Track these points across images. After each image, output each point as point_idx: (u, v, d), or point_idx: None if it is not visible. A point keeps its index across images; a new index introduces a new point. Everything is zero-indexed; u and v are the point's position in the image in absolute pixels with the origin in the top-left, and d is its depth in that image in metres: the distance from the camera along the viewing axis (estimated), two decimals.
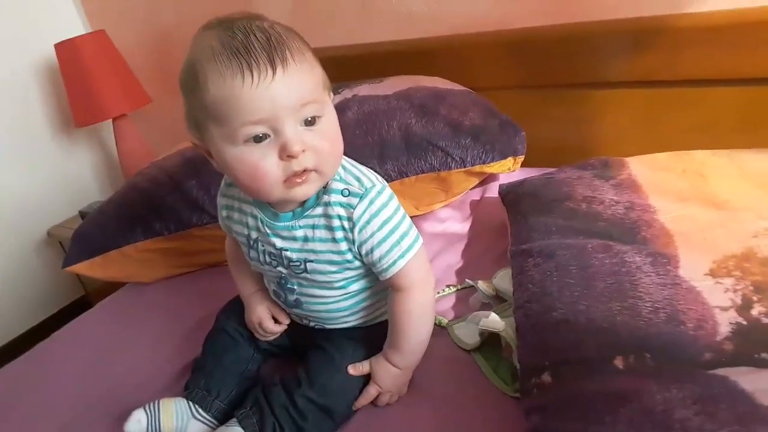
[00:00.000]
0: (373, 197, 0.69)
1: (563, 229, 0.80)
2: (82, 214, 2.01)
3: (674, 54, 1.13)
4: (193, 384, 0.80)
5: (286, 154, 0.61)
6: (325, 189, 0.70)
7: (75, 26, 2.13)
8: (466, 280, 0.95)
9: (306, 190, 0.66)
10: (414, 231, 0.72)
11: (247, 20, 0.63)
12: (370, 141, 1.15)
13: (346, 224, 0.69)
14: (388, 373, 0.74)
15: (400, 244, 0.70)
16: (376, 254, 0.70)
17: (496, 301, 0.91)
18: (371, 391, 0.75)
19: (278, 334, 0.85)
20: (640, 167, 0.93)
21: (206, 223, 1.14)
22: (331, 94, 0.70)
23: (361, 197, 0.68)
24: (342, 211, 0.69)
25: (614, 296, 0.65)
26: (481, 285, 0.91)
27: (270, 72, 0.59)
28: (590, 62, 1.24)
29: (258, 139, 0.61)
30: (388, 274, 0.71)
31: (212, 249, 1.17)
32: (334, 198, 0.69)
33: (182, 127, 1.89)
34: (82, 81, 1.84)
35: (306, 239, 0.72)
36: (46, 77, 2.05)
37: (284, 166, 0.63)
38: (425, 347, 0.77)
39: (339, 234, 0.70)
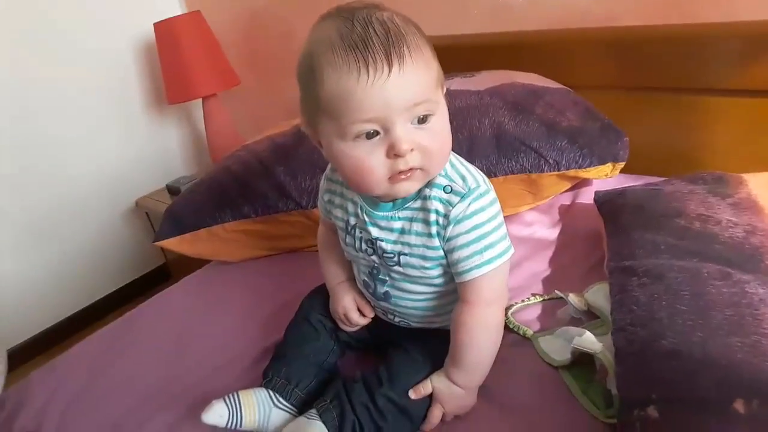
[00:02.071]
0: (474, 198, 0.67)
1: (673, 249, 0.75)
2: (169, 188, 2.10)
3: None
4: (274, 372, 0.81)
5: (393, 152, 0.61)
6: (428, 183, 0.68)
7: (172, 6, 2.20)
8: (555, 291, 0.91)
9: (409, 187, 0.66)
10: (503, 246, 0.69)
11: (368, 11, 0.61)
12: (460, 137, 1.12)
13: (441, 220, 0.68)
14: (451, 394, 0.72)
15: (482, 254, 0.67)
16: (455, 256, 0.68)
17: (587, 317, 0.86)
18: (435, 413, 0.72)
19: (362, 327, 0.84)
20: (761, 186, 0.85)
21: (291, 209, 1.15)
22: (445, 88, 0.67)
23: (463, 197, 0.67)
24: (440, 207, 0.68)
25: (734, 330, 0.59)
26: (572, 298, 0.87)
27: (386, 69, 0.58)
28: (698, 66, 1.15)
29: (368, 136, 0.61)
30: (462, 279, 0.69)
31: (295, 234, 1.19)
32: (435, 192, 0.68)
33: (268, 110, 1.95)
34: (176, 60, 1.91)
35: (402, 231, 0.71)
36: (143, 55, 2.14)
37: (391, 164, 0.62)
38: (489, 367, 0.73)
39: (434, 229, 0.68)
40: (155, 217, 2.11)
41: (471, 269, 0.68)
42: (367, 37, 0.58)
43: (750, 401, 0.52)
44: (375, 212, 0.72)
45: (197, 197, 1.24)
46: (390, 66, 0.58)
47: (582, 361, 0.76)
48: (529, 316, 0.90)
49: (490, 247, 0.67)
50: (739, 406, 0.52)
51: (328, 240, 0.87)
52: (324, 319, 0.86)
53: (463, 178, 0.68)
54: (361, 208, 0.73)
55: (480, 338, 0.71)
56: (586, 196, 1.17)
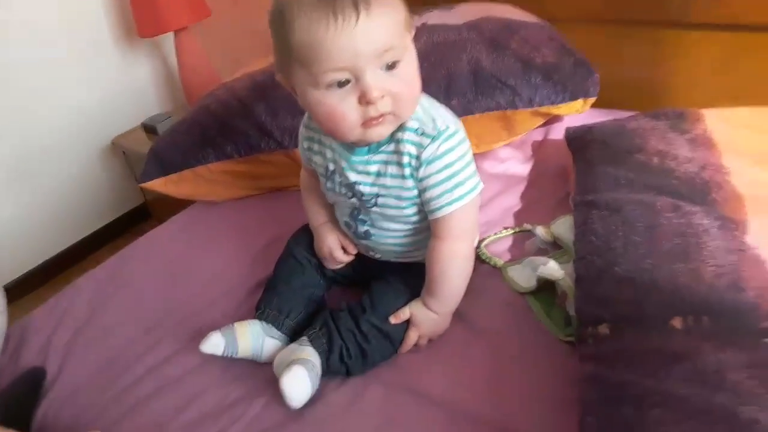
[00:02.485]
0: (444, 139, 0.71)
1: (632, 183, 0.81)
2: (145, 126, 2.07)
3: None
4: (265, 304, 0.87)
5: (365, 99, 0.64)
6: (400, 126, 0.72)
7: None
8: (524, 224, 0.97)
9: (382, 131, 0.69)
10: (472, 182, 0.74)
11: None
12: (438, 75, 1.14)
13: (414, 162, 0.72)
14: (427, 318, 0.79)
15: (452, 192, 0.72)
16: (428, 195, 0.73)
17: (552, 248, 0.93)
18: (411, 335, 0.80)
19: (346, 264, 0.90)
20: (717, 122, 0.90)
21: (273, 149, 1.18)
22: (413, 31, 0.69)
23: (434, 138, 0.71)
24: (413, 149, 0.72)
25: (679, 258, 0.66)
26: (539, 230, 0.93)
27: (354, 16, 0.60)
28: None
29: (340, 84, 0.64)
30: (433, 216, 0.75)
31: (278, 174, 1.22)
32: (408, 136, 0.72)
33: (242, 42, 1.92)
34: None
35: (378, 174, 0.75)
36: None
37: (363, 110, 0.65)
38: (461, 295, 0.81)
39: (407, 171, 0.73)
40: (132, 156, 2.10)
41: (442, 206, 0.73)
42: None
43: (686, 318, 0.60)
44: (352, 157, 0.76)
45: (179, 138, 1.26)
46: (357, 13, 0.60)
47: (546, 287, 0.83)
48: (501, 247, 0.97)
49: (459, 184, 0.72)
50: (676, 322, 0.60)
51: (310, 183, 0.91)
52: (309, 255, 0.92)
53: (434, 120, 0.72)
54: (339, 154, 0.77)
55: (452, 269, 0.77)
56: (558, 132, 1.22)
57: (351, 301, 0.84)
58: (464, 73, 1.14)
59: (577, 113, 1.19)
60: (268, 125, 1.18)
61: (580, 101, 1.15)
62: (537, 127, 1.24)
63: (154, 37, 2.02)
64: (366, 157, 0.75)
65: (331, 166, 0.80)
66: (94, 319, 0.98)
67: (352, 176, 0.77)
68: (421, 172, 0.72)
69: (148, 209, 2.26)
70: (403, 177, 0.74)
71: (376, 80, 0.63)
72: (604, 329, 0.64)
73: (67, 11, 1.96)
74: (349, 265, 0.91)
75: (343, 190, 0.80)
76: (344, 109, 0.65)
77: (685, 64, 1.22)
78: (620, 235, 0.73)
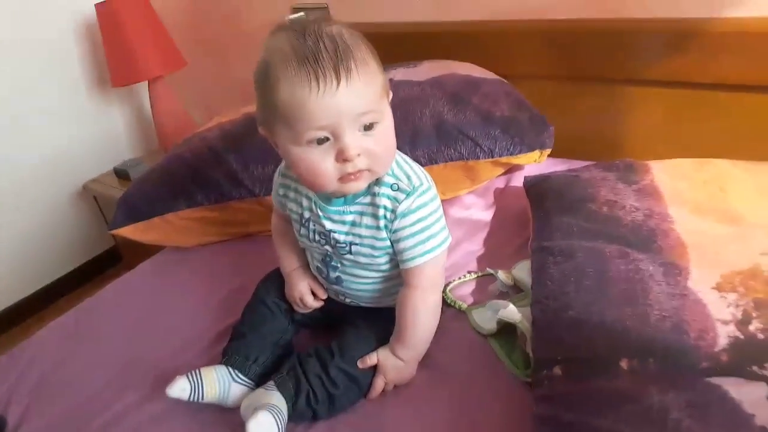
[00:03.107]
0: (418, 196, 0.76)
1: (584, 231, 0.86)
2: (117, 171, 2.09)
3: (708, 57, 1.14)
4: (232, 351, 0.87)
5: (342, 157, 0.68)
6: (377, 181, 0.76)
7: None
8: (487, 268, 1.01)
9: (358, 186, 0.74)
10: (442, 236, 0.78)
11: (317, 25, 0.68)
12: (404, 128, 1.19)
13: (389, 215, 0.76)
14: (394, 365, 0.81)
15: (424, 244, 0.77)
16: (401, 245, 0.77)
17: (513, 291, 0.97)
18: (378, 383, 0.81)
19: (320, 301, 0.92)
20: (662, 174, 0.97)
21: (244, 196, 1.21)
22: (390, 95, 0.75)
23: (408, 194, 0.75)
24: (388, 203, 0.76)
25: (627, 302, 0.71)
26: (501, 275, 0.97)
27: (335, 83, 0.64)
28: (624, 58, 1.25)
29: (319, 142, 0.68)
30: (405, 266, 0.79)
31: (248, 221, 1.25)
32: (384, 190, 0.76)
33: (217, 91, 1.97)
34: (120, 42, 1.89)
35: (353, 224, 0.79)
36: (85, 37, 2.10)
37: (340, 167, 0.70)
38: (428, 343, 0.84)
39: (382, 223, 0.77)
40: (103, 201, 2.11)
41: (415, 257, 0.77)
42: (318, 52, 0.65)
43: (632, 359, 0.63)
44: (328, 207, 0.80)
45: (150, 186, 1.28)
46: (338, 79, 0.64)
47: (507, 330, 0.87)
48: (465, 291, 1.00)
49: (432, 237, 0.77)
50: (624, 363, 0.63)
51: (282, 229, 0.94)
52: (279, 301, 0.93)
53: (408, 177, 0.77)
54: (315, 203, 0.81)
55: (422, 319, 0.81)
56: (518, 180, 1.28)
57: (319, 344, 0.85)
58: (428, 126, 1.20)
59: (536, 163, 1.25)
60: (239, 174, 1.21)
61: (537, 152, 1.22)
62: (499, 175, 1.30)
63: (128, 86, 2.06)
64: (342, 207, 0.79)
65: (307, 214, 0.83)
66: (58, 369, 0.97)
67: (328, 225, 0.80)
68: (396, 225, 0.76)
69: (119, 253, 2.24)
70: (377, 228, 0.78)
71: (353, 140, 0.68)
72: (557, 370, 0.67)
73: (41, 57, 1.99)
74: (319, 308, 0.93)
75: (318, 238, 0.83)
76: (323, 165, 0.69)
77: (637, 117, 1.30)
78: (572, 281, 0.77)
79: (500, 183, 1.30)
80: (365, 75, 0.67)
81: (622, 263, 0.77)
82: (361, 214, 0.78)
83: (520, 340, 0.83)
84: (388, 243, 0.79)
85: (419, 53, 1.45)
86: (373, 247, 0.79)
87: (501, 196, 1.26)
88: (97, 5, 1.86)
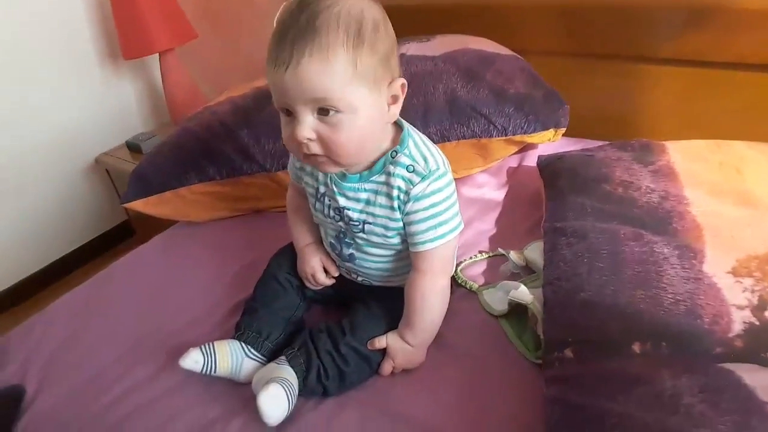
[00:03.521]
0: (432, 180, 0.75)
1: (598, 212, 0.85)
2: (129, 144, 2.09)
3: (726, 35, 1.11)
4: (245, 326, 0.88)
5: (293, 137, 0.69)
6: (393, 160, 0.75)
7: None
8: (499, 249, 1.01)
9: (326, 169, 0.74)
10: (454, 222, 0.78)
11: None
12: (416, 102, 1.18)
13: (402, 196, 0.76)
14: (402, 350, 0.81)
15: (436, 229, 0.76)
16: (412, 229, 0.77)
17: (525, 272, 0.96)
18: (386, 366, 0.81)
19: (327, 285, 0.92)
20: (678, 154, 0.95)
21: (256, 171, 1.20)
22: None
23: (423, 177, 0.74)
24: (402, 185, 0.75)
25: (640, 284, 0.70)
26: (513, 255, 0.97)
27: (284, 64, 0.64)
28: (640, 36, 1.23)
29: (287, 113, 0.70)
30: (415, 250, 0.78)
31: (260, 196, 1.25)
32: (399, 171, 0.75)
33: (227, 64, 1.95)
34: (130, 14, 1.86)
35: (368, 202, 0.78)
36: (95, 8, 2.08)
37: (298, 144, 0.70)
38: (437, 329, 0.84)
39: (395, 203, 0.76)
40: (116, 174, 2.11)
41: (425, 242, 0.77)
42: (286, 30, 0.65)
43: (645, 343, 0.63)
44: (343, 183, 0.79)
45: (162, 159, 1.27)
46: (290, 60, 0.64)
47: (518, 311, 0.87)
48: (476, 271, 1.00)
49: (444, 223, 0.76)
50: (636, 347, 0.63)
51: (297, 203, 0.94)
52: (291, 277, 0.93)
53: (425, 159, 0.76)
54: (330, 178, 0.80)
55: (430, 303, 0.81)
56: (532, 159, 1.26)
57: (330, 321, 0.85)
58: (440, 103, 1.18)
59: (550, 142, 1.24)
60: (251, 148, 1.20)
61: (551, 131, 1.20)
62: (512, 154, 1.29)
63: (139, 58, 2.04)
64: (357, 184, 0.78)
65: (322, 189, 0.83)
66: (72, 339, 0.98)
67: (342, 201, 0.80)
68: (409, 207, 0.76)
69: (132, 227, 2.26)
70: (391, 208, 0.77)
71: (304, 122, 0.67)
72: (568, 353, 0.67)
73: (52, 30, 1.97)
74: (330, 286, 0.93)
75: (332, 213, 0.83)
76: (287, 134, 0.71)
77: (651, 96, 1.28)
78: (585, 262, 0.77)
79: (513, 162, 1.29)
80: (320, 62, 0.64)
81: (637, 245, 0.76)
82: (376, 192, 0.78)
83: (531, 321, 0.83)
84: (401, 224, 0.78)
85: (432, 29, 1.42)
86: (386, 227, 0.79)
87: (514, 176, 1.25)
88: None
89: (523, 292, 0.82)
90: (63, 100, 2.06)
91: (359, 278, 0.90)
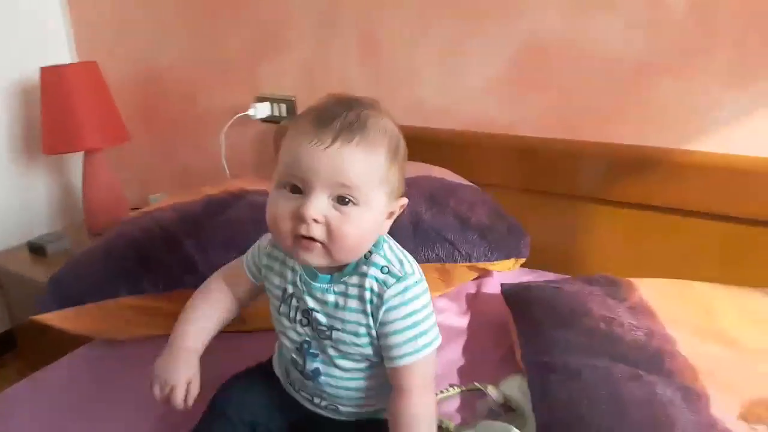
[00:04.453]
0: (410, 285, 0.69)
1: (586, 348, 0.82)
2: (31, 245, 1.87)
3: (669, 183, 1.21)
4: None
5: (299, 213, 0.64)
6: (367, 260, 0.70)
7: (61, 54, 2.07)
8: (475, 383, 0.94)
9: (308, 257, 0.68)
10: (433, 333, 0.72)
11: (361, 104, 0.68)
12: None
13: (375, 300, 0.69)
14: None
15: (416, 341, 0.69)
16: (390, 341, 0.69)
17: (503, 410, 0.89)
18: None
19: (187, 407, 0.76)
20: (649, 291, 0.97)
21: (197, 285, 1.08)
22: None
23: (399, 279, 0.69)
24: (375, 286, 0.69)
25: (653, 429, 0.65)
26: (491, 391, 0.90)
27: (329, 142, 0.64)
28: (584, 177, 1.31)
29: (294, 189, 0.66)
30: (393, 365, 0.70)
31: None
32: (373, 271, 0.70)
33: (156, 171, 1.85)
34: (61, 108, 1.76)
35: (337, 306, 0.71)
36: (17, 99, 1.95)
37: (296, 224, 0.65)
38: None
39: (368, 308, 0.70)
40: (9, 278, 1.85)
41: (405, 355, 0.69)
42: (335, 116, 0.65)
43: None
44: (312, 283, 0.72)
45: (87, 267, 1.12)
46: (334, 141, 0.64)
47: None
48: (449, 408, 0.91)
49: (423, 334, 0.70)
50: None
51: (216, 295, 0.84)
52: (242, 413, 0.80)
53: (401, 263, 0.72)
54: (300, 278, 0.74)
55: (426, 426, 0.70)
56: (489, 286, 1.25)
57: None
58: (405, 224, 1.16)
59: (508, 270, 1.23)
60: (196, 260, 1.09)
61: (512, 260, 1.21)
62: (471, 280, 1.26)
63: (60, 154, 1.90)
64: (327, 285, 0.72)
65: (290, 289, 0.75)
66: None
67: (311, 302, 0.73)
68: (384, 316, 0.69)
69: (14, 337, 1.94)
70: (364, 312, 0.70)
71: (318, 202, 0.64)
72: None
73: None
74: (285, 422, 0.81)
75: (299, 317, 0.75)
76: (285, 211, 0.66)
77: (600, 235, 1.33)
78: (585, 404, 0.72)
79: (471, 288, 1.27)
80: (364, 153, 0.65)
81: (636, 386, 0.73)
82: (345, 295, 0.71)
83: None
84: (374, 333, 0.71)
85: None
86: (356, 334, 0.71)
87: (474, 302, 1.22)
88: (43, 68, 1.74)
89: None
90: None
91: (324, 403, 0.78)
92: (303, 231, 0.65)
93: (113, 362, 1.05)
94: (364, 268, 0.70)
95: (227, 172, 1.84)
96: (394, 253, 0.73)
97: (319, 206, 0.64)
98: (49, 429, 0.88)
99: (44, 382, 1.00)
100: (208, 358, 1.02)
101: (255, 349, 0.94)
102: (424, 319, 0.70)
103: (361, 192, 0.65)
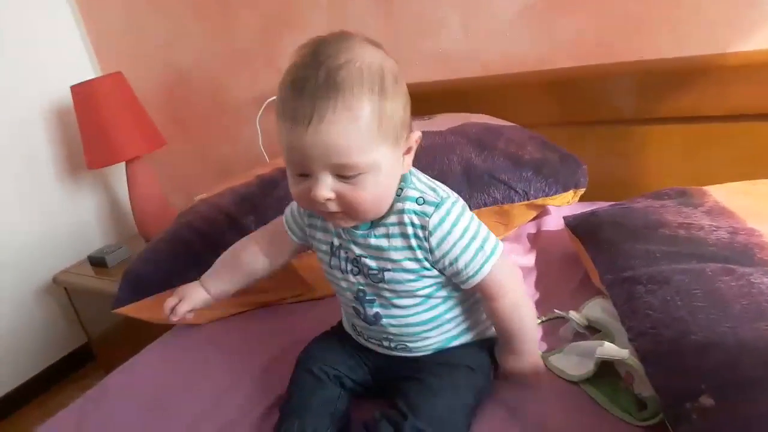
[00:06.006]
0: (449, 207, 0.69)
1: (670, 255, 0.80)
2: (92, 259, 1.93)
3: (717, 90, 1.17)
4: (286, 428, 0.75)
5: (310, 197, 0.65)
6: (399, 196, 0.70)
7: (85, 69, 2.12)
8: (555, 310, 0.93)
9: (343, 224, 0.70)
10: (493, 235, 0.73)
11: (338, 46, 0.63)
12: (430, 175, 1.14)
13: (420, 232, 0.69)
14: (522, 369, 0.77)
15: (483, 249, 0.70)
16: (461, 262, 0.69)
17: (588, 333, 0.89)
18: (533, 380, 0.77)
19: (184, 316, 0.88)
20: (722, 194, 0.94)
21: None
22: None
23: (437, 206, 0.69)
24: (416, 219, 0.69)
25: (757, 316, 0.64)
26: (574, 315, 0.89)
27: (305, 122, 0.60)
28: (632, 99, 1.27)
29: (302, 175, 0.66)
30: (475, 281, 0.71)
31: (268, 288, 1.13)
32: (408, 205, 0.69)
33: (196, 171, 1.89)
34: (97, 123, 1.80)
35: (382, 248, 0.72)
36: (53, 121, 2.01)
37: (313, 203, 0.66)
38: (538, 335, 0.81)
39: (414, 242, 0.70)
40: (76, 292, 1.92)
41: (482, 266, 0.70)
42: (304, 83, 0.60)
43: None
44: (354, 231, 0.73)
45: (158, 256, 1.15)
46: (312, 116, 0.59)
47: (599, 373, 0.78)
48: None
49: (486, 240, 0.71)
50: None
51: (246, 253, 0.90)
52: (326, 367, 0.83)
53: (434, 189, 0.72)
54: (343, 228, 0.74)
55: (527, 319, 0.75)
56: (549, 224, 1.24)
57: (383, 407, 0.74)
58: (456, 173, 1.16)
59: (567, 204, 1.22)
60: None
61: (571, 192, 1.18)
62: (529, 221, 1.25)
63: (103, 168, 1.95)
64: (367, 231, 0.72)
65: (336, 241, 0.76)
66: None
67: (357, 250, 0.74)
68: (436, 245, 0.69)
69: (92, 349, 2.02)
70: (410, 248, 0.70)
71: (324, 183, 0.64)
72: (706, 400, 0.59)
73: (6, 144, 1.87)
74: (367, 372, 0.84)
75: (349, 267, 0.76)
76: (300, 193, 0.67)
77: (647, 156, 1.31)
78: (680, 305, 0.70)
79: (531, 228, 1.25)
80: (347, 119, 0.60)
81: (731, 280, 0.71)
82: (388, 236, 0.71)
83: (625, 381, 0.74)
84: (426, 264, 0.71)
85: (426, 112, 1.43)
86: (407, 270, 0.72)
87: (536, 241, 1.21)
88: (73, 87, 1.78)
89: (613, 348, 0.74)
90: (19, 215, 1.90)
91: (393, 344, 0.79)
92: (321, 209, 0.66)
93: (200, 343, 1.08)
94: (399, 205, 0.70)
95: (267, 159, 1.86)
96: (423, 183, 0.73)
97: (325, 187, 0.64)
98: (142, 412, 0.91)
99: (139, 366, 1.04)
100: (272, 327, 1.06)
101: (325, 314, 0.98)
102: (479, 229, 0.71)
103: (360, 161, 0.62)
